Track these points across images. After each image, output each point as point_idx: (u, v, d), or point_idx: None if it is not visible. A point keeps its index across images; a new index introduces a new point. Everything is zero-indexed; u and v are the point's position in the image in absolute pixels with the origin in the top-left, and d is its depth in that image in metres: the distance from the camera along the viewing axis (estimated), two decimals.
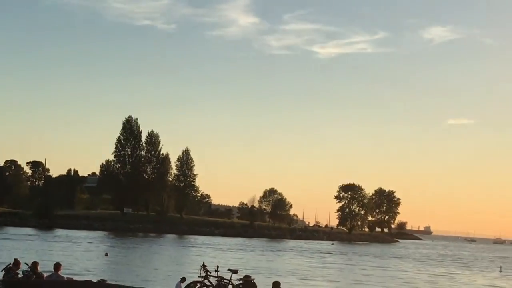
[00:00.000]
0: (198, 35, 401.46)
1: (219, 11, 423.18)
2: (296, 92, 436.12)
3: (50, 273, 26.94)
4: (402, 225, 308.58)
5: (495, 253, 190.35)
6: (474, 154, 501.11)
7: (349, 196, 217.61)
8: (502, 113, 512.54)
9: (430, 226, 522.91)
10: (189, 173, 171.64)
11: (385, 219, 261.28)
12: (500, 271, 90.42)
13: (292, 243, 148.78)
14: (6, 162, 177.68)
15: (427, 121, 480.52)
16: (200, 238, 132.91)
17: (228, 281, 32.20)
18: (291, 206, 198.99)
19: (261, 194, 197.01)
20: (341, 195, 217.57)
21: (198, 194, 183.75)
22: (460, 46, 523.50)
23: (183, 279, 31.55)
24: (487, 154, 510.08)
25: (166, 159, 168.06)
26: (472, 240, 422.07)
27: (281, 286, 29.10)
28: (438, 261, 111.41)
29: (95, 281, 28.13)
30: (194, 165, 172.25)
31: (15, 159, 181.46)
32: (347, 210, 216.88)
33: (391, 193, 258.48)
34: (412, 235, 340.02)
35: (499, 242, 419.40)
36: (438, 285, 61.23)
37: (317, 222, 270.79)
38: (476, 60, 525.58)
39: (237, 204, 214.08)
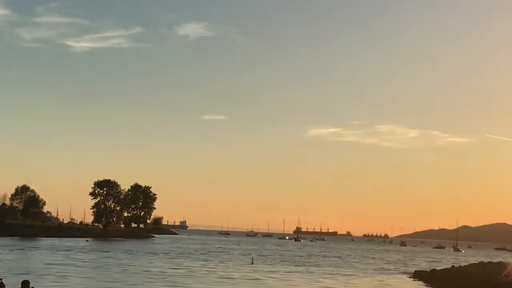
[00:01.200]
0: None
1: None
2: (52, 85, 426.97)
3: None
4: (158, 220, 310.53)
5: (248, 245, 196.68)
6: (228, 149, 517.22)
7: (105, 192, 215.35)
8: (251, 109, 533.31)
9: (185, 221, 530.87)
10: None
11: (141, 214, 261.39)
12: (252, 263, 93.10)
13: (45, 241, 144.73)
14: None
15: (182, 117, 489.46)
16: None
17: None
18: (44, 203, 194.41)
19: (12, 191, 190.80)
20: (96, 191, 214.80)
21: None
22: (214, 42, 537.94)
23: None
24: (240, 149, 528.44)
25: None
26: (227, 233, 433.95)
27: (30, 285, 27.73)
28: (194, 255, 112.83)
29: None
30: None
31: None
32: (102, 206, 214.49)
33: (147, 188, 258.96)
34: (168, 230, 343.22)
35: (251, 234, 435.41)
36: (195, 280, 61.67)
37: (71, 219, 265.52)
38: (228, 56, 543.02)
39: None
